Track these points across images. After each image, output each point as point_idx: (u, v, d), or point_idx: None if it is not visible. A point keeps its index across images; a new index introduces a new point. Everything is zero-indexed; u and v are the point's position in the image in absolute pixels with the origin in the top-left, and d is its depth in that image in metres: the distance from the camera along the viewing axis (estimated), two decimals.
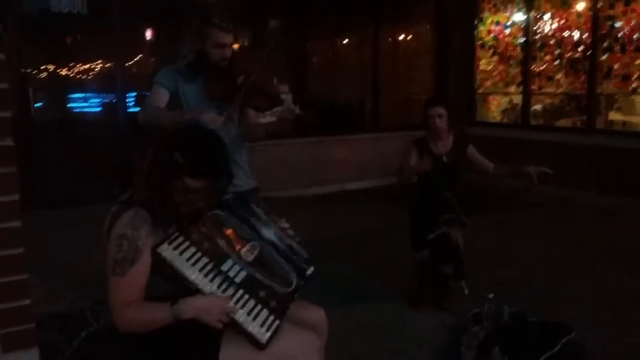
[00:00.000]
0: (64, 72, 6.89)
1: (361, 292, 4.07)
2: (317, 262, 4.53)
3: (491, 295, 3.48)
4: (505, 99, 8.40)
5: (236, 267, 1.80)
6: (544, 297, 3.92)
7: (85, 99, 7.04)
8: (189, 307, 1.70)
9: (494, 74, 8.30)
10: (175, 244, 1.76)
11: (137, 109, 7.31)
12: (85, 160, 6.30)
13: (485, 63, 8.41)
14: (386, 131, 8.18)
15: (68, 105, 6.87)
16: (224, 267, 1.79)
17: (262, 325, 1.76)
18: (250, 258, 1.83)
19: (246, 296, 1.79)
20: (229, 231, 1.86)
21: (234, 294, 1.78)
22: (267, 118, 2.81)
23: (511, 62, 8.02)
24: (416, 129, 7.19)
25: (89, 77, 7.20)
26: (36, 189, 6.03)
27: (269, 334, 1.75)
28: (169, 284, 1.78)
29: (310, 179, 7.49)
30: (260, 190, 3.12)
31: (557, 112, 7.80)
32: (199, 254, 1.78)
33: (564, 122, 7.71)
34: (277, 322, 1.79)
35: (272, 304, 1.81)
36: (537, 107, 7.97)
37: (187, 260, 1.75)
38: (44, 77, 6.67)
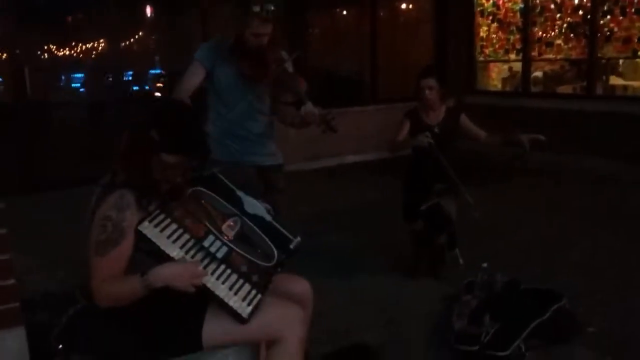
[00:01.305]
0: (61, 52, 6.87)
1: (358, 264, 4.11)
2: (314, 235, 4.68)
3: (485, 265, 3.51)
4: (506, 67, 8.31)
5: (217, 243, 1.82)
6: (541, 264, 3.94)
7: (82, 79, 7.03)
8: (159, 275, 1.71)
9: (494, 41, 8.20)
10: (156, 221, 1.77)
11: (135, 88, 7.32)
12: (81, 141, 6.32)
13: (485, 30, 8.30)
14: (385, 103, 8.12)
15: (65, 86, 6.87)
16: (206, 243, 1.81)
17: (243, 299, 1.78)
18: (232, 233, 1.85)
19: (228, 271, 1.81)
20: (210, 207, 1.87)
21: (215, 269, 1.80)
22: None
23: (511, 28, 7.91)
24: (414, 100, 7.17)
25: (86, 57, 7.18)
26: (33, 171, 6.05)
27: (250, 307, 1.77)
28: (152, 262, 1.80)
29: (309, 152, 7.48)
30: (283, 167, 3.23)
31: (558, 78, 7.72)
32: (180, 231, 1.80)
33: (564, 89, 7.63)
34: (259, 296, 1.82)
35: (254, 278, 1.83)
36: (538, 74, 7.89)
37: (169, 237, 1.77)
38: (40, 58, 6.66)
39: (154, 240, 1.73)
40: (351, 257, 4.26)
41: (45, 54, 6.69)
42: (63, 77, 6.85)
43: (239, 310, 1.75)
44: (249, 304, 1.78)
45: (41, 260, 4.05)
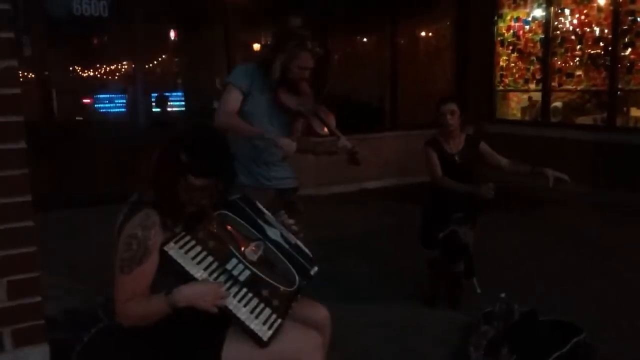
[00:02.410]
0: (86, 73, 7.04)
1: (376, 290, 4.11)
2: (332, 260, 4.69)
3: (503, 294, 3.48)
4: (525, 96, 8.32)
5: (240, 266, 1.85)
6: (559, 296, 3.91)
7: (107, 100, 7.18)
8: (183, 295, 1.74)
9: (514, 70, 8.23)
10: (181, 242, 1.81)
11: (157, 110, 7.45)
12: (107, 161, 6.43)
13: (505, 60, 8.34)
14: (405, 129, 8.16)
15: (90, 106, 7.02)
16: (229, 266, 1.84)
17: (264, 323, 1.80)
18: (255, 257, 1.88)
19: (249, 295, 1.84)
20: (234, 231, 1.91)
21: (237, 293, 1.82)
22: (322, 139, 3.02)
23: (531, 58, 7.94)
24: (436, 126, 7.20)
25: (111, 78, 7.34)
26: (59, 188, 6.17)
27: (270, 332, 1.79)
28: (177, 283, 1.83)
29: (329, 178, 7.51)
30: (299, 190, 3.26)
31: (578, 109, 7.72)
32: (204, 253, 1.83)
33: (584, 119, 7.61)
34: (279, 320, 1.84)
35: (274, 302, 1.85)
36: (557, 104, 7.89)
37: (193, 258, 1.80)
38: (66, 79, 6.82)
39: (179, 260, 1.77)
40: (368, 283, 4.26)
41: (72, 76, 6.87)
42: (89, 98, 7.00)
43: (260, 334, 1.77)
44: (269, 328, 1.80)
45: (67, 278, 4.11)
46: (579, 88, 7.52)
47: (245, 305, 1.81)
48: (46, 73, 6.19)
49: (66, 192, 6.21)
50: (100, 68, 7.29)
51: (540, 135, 7.60)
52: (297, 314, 1.99)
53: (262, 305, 1.84)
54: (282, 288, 1.87)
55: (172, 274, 1.78)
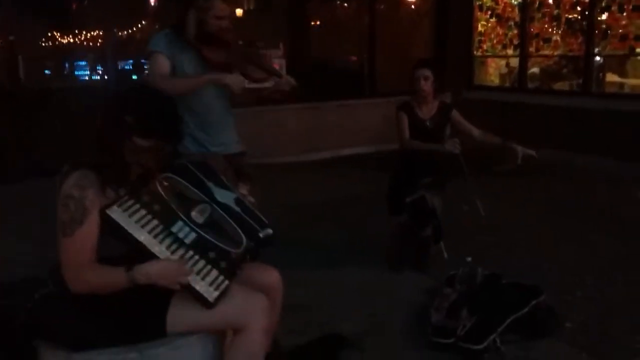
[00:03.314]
0: (55, 40, 6.86)
1: (344, 256, 4.12)
2: (302, 227, 4.71)
3: (469, 259, 3.54)
4: (503, 62, 8.29)
5: (186, 229, 1.83)
6: (527, 262, 3.94)
7: (76, 67, 7.02)
8: (144, 272, 1.73)
9: (492, 36, 8.18)
10: (125, 206, 1.78)
11: (135, 77, 7.32)
12: (74, 128, 6.32)
13: (484, 25, 8.28)
14: (383, 96, 8.11)
15: (59, 73, 6.87)
16: (174, 229, 1.82)
17: (210, 284, 1.79)
18: (201, 220, 1.86)
19: (196, 257, 1.82)
20: (180, 194, 1.89)
21: (183, 255, 1.81)
22: (264, 84, 2.88)
23: (509, 23, 7.89)
24: (411, 94, 7.16)
25: (81, 45, 7.16)
26: (29, 157, 6.07)
27: (217, 292, 1.79)
28: (122, 245, 1.81)
29: (305, 145, 7.50)
30: (247, 155, 3.17)
31: (555, 74, 7.70)
32: (149, 216, 1.81)
33: (561, 85, 7.61)
34: (226, 282, 1.83)
35: (222, 264, 1.84)
36: (535, 69, 7.87)
37: (137, 222, 1.77)
38: (33, 45, 6.65)
39: (121, 224, 1.74)
40: (337, 249, 4.28)
41: (40, 42, 6.68)
42: (58, 64, 6.84)
43: (206, 295, 1.76)
44: (215, 289, 1.79)
45: (36, 246, 4.07)
46: (555, 53, 7.50)
47: (191, 267, 1.80)
48: (11, 38, 6.03)
49: (36, 160, 6.11)
50: (77, 34, 7.10)
51: (517, 102, 7.60)
52: (247, 277, 1.99)
53: (208, 267, 1.83)
54: (229, 250, 1.85)
55: (117, 238, 1.76)
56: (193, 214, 1.86)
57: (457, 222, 4.53)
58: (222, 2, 2.76)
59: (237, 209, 2.01)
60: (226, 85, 2.74)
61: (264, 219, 2.08)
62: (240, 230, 1.89)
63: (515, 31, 7.79)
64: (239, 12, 8.41)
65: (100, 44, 6.43)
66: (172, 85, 2.67)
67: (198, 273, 1.80)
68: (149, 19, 7.60)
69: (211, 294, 1.77)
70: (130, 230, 1.75)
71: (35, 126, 6.17)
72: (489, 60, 8.50)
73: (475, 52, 8.46)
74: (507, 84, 8.26)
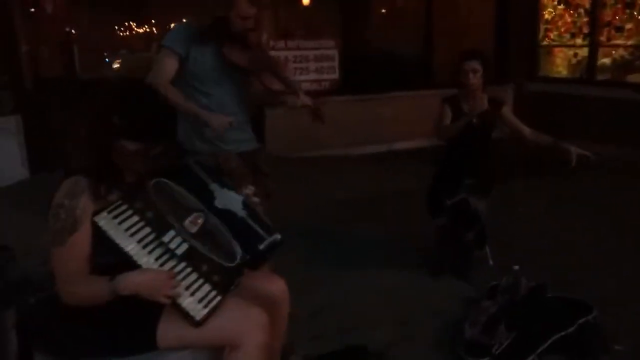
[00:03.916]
0: (111, 31, 6.99)
1: (383, 255, 3.94)
2: (343, 223, 4.54)
3: (517, 267, 3.25)
4: (571, 52, 7.77)
5: (178, 239, 1.71)
6: (580, 272, 3.61)
7: (132, 58, 7.13)
8: (128, 283, 1.64)
9: (559, 24, 7.67)
10: (116, 212, 1.69)
11: None
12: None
13: (550, 12, 7.77)
14: (440, 88, 7.77)
15: (114, 64, 6.99)
16: (165, 239, 1.71)
17: (200, 300, 1.68)
18: (194, 229, 1.74)
19: (187, 269, 1.71)
20: (174, 200, 1.77)
21: (174, 267, 1.70)
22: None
23: (578, 10, 7.37)
24: (460, 87, 6.84)
25: (137, 36, 7.27)
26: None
27: (206, 310, 1.67)
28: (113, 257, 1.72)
29: (356, 138, 7.30)
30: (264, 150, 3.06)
31: (628, 66, 7.14)
32: (141, 224, 1.71)
33: (634, 77, 7.05)
34: (218, 297, 1.71)
35: (215, 278, 1.72)
36: (606, 60, 7.32)
37: (127, 229, 1.68)
38: (90, 36, 6.79)
39: (109, 232, 1.65)
40: (377, 248, 4.09)
41: (97, 33, 6.82)
42: (113, 55, 6.96)
43: (192, 313, 1.65)
44: (205, 306, 1.68)
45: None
46: (629, 43, 6.94)
47: (182, 281, 1.69)
48: (68, 29, 6.16)
49: None
50: (127, 25, 7.21)
51: (586, 95, 7.11)
52: (249, 287, 1.87)
53: (201, 281, 1.71)
54: (223, 263, 1.72)
55: (106, 247, 1.67)
56: (186, 222, 1.74)
57: (504, 227, 4.24)
58: (247, 2, 2.63)
59: (243, 213, 1.87)
60: (210, 125, 2.59)
61: (269, 223, 1.94)
62: (235, 242, 1.75)
63: (585, 19, 7.26)
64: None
65: (156, 34, 6.54)
66: (164, 94, 2.52)
67: (188, 287, 1.69)
68: (203, 10, 7.58)
69: (198, 312, 1.65)
70: (118, 240, 1.66)
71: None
72: (556, 50, 7.99)
73: (540, 41, 7.97)
74: (575, 76, 7.73)
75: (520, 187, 5.52)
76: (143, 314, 1.70)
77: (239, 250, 1.74)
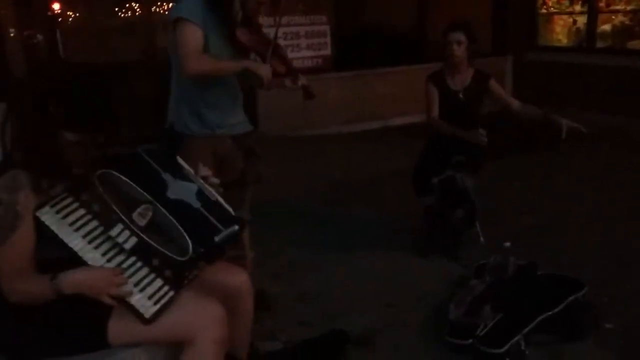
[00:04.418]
0: (94, 16, 6.84)
1: (372, 238, 3.85)
2: (333, 204, 4.46)
3: (508, 244, 3.16)
4: (570, 20, 7.56)
5: (126, 233, 1.62)
6: (571, 248, 3.52)
7: (117, 43, 6.99)
8: (69, 281, 1.56)
9: None
10: (60, 206, 1.60)
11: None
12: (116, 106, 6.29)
13: None
14: (436, 61, 7.59)
15: (99, 49, 6.85)
16: (113, 233, 1.62)
17: (150, 297, 1.59)
18: (143, 222, 1.64)
19: (137, 264, 1.62)
20: (121, 192, 1.68)
21: (122, 262, 1.62)
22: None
23: None
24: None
25: (122, 21, 7.12)
26: None
27: (156, 307, 1.58)
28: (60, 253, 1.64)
29: (349, 115, 7.17)
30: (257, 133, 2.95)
31: (628, 32, 6.92)
32: (87, 217, 1.62)
33: (634, 44, 6.84)
34: (170, 293, 1.62)
35: (166, 273, 1.63)
36: (605, 27, 7.11)
37: (72, 224, 1.59)
38: (73, 21, 6.65)
39: (52, 227, 1.57)
40: (366, 230, 4.01)
41: (79, 18, 6.66)
42: (97, 41, 6.81)
43: (142, 310, 1.57)
44: (156, 303, 1.59)
45: None
46: (629, 8, 6.72)
47: (131, 276, 1.60)
48: (50, 14, 6.03)
49: None
50: (111, 10, 7.04)
51: (586, 63, 6.93)
52: (209, 280, 1.79)
53: (152, 276, 1.63)
54: (174, 257, 1.64)
55: (52, 242, 1.59)
56: (134, 215, 1.64)
57: (497, 203, 4.14)
58: None
59: (197, 204, 1.78)
60: (258, 76, 2.48)
61: (230, 210, 1.85)
62: (186, 235, 1.66)
63: None
64: None
65: (140, 20, 6.35)
66: (212, 66, 2.47)
67: (138, 283, 1.60)
68: None
69: (148, 309, 1.57)
70: (61, 235, 1.57)
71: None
72: (555, 17, 7.79)
73: (539, 9, 7.75)
74: (575, 44, 7.53)
75: (514, 162, 5.39)
76: (94, 312, 1.62)
77: (191, 243, 1.65)
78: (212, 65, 2.49)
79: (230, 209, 1.88)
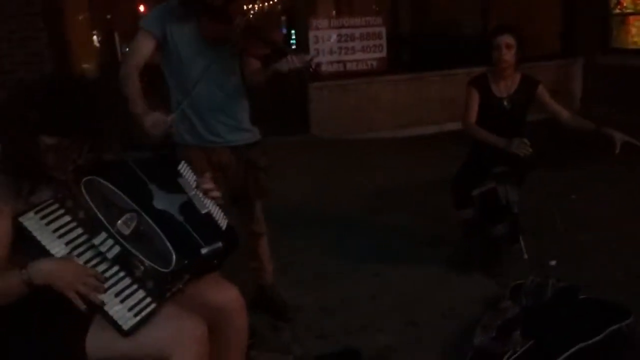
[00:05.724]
0: None
1: (409, 249, 3.69)
2: (371, 212, 4.29)
3: (553, 262, 2.93)
4: None
5: (110, 241, 1.58)
6: (624, 270, 3.22)
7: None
8: (38, 269, 1.51)
9: None
10: (44, 212, 1.57)
11: None
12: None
13: None
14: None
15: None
16: (96, 241, 1.58)
17: (131, 308, 1.54)
18: (127, 231, 1.59)
19: (120, 274, 1.58)
20: (106, 200, 1.64)
21: (105, 271, 1.58)
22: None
23: None
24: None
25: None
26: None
27: (136, 319, 1.53)
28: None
29: (405, 119, 6.99)
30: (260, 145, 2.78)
31: None
32: (72, 224, 1.59)
33: None
34: (152, 305, 1.57)
35: (149, 284, 1.58)
36: None
37: (55, 230, 1.57)
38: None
39: (34, 233, 1.54)
40: (401, 240, 3.84)
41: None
42: None
43: (120, 321, 1.52)
44: (136, 315, 1.54)
45: None
46: None
47: (113, 286, 1.56)
48: (108, 17, 6.21)
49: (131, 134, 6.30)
50: None
51: None
52: (193, 296, 1.72)
53: (134, 287, 1.58)
54: (157, 268, 1.58)
55: (33, 249, 1.57)
56: (119, 223, 1.60)
57: (547, 218, 3.85)
58: None
59: (180, 218, 1.71)
60: (145, 127, 2.30)
61: (221, 225, 1.78)
62: (170, 246, 1.60)
63: None
64: None
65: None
66: (124, 83, 2.40)
67: (120, 293, 1.56)
68: None
69: (127, 321, 1.52)
70: (44, 242, 1.55)
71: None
72: (631, 18, 7.28)
73: (613, 9, 7.28)
74: None
75: (571, 173, 5.03)
76: (71, 323, 1.59)
77: (175, 255, 1.59)
78: (126, 86, 2.40)
79: (223, 224, 1.82)
